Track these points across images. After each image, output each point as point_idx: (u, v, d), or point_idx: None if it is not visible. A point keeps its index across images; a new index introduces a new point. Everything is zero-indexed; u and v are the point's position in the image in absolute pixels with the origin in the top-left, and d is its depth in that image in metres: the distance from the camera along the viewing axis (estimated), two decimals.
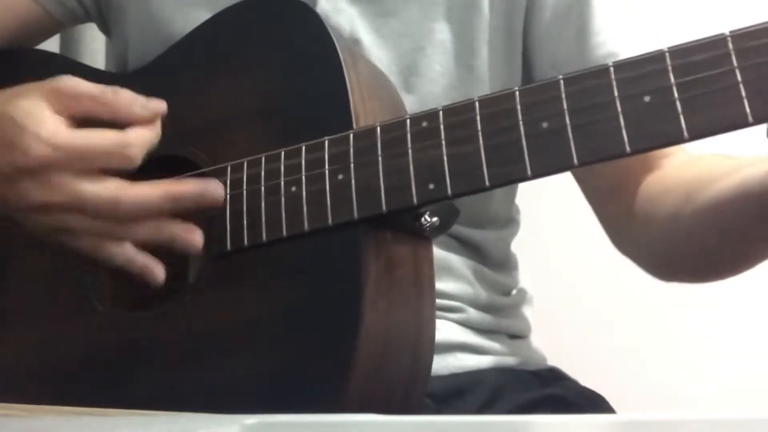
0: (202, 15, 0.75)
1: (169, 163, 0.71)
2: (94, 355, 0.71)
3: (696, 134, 0.53)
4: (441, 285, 0.77)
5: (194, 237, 0.66)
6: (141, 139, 0.65)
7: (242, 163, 0.67)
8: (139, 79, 0.77)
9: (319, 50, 0.68)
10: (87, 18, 0.90)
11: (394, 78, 0.76)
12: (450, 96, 0.77)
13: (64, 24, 0.91)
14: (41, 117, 0.64)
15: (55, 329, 0.74)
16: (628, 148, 0.54)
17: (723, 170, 0.67)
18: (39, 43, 0.91)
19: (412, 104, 0.76)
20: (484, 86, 0.80)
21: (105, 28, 0.90)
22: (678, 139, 0.53)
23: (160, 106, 0.67)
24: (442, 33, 0.80)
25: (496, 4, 0.80)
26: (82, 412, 0.64)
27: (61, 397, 0.70)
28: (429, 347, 0.68)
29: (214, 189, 0.67)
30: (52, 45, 1.04)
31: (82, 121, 0.66)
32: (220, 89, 0.72)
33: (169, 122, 0.73)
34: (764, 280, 0.68)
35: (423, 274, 0.68)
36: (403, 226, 0.65)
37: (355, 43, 0.78)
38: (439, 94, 0.78)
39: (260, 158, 0.67)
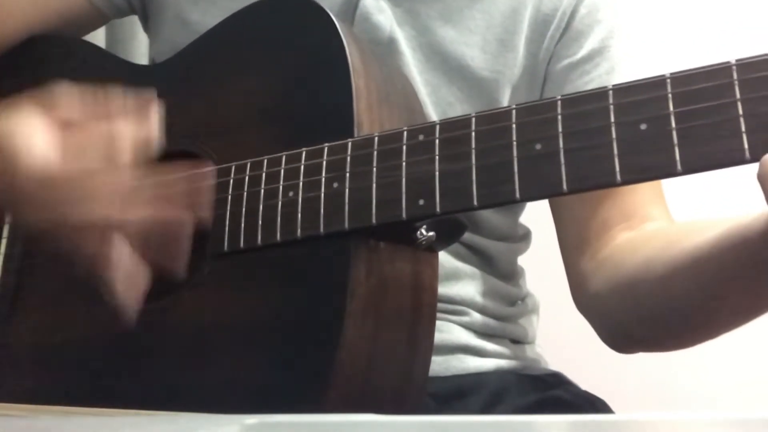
0: (225, 14, 0.75)
1: (181, 159, 0.72)
2: (93, 345, 0.72)
3: (689, 167, 0.49)
4: (447, 290, 0.78)
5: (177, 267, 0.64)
6: (131, 141, 0.63)
7: (246, 164, 0.67)
8: (160, 74, 0.78)
9: (329, 55, 0.67)
10: (131, 11, 0.92)
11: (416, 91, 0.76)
12: None
13: (108, 16, 0.92)
14: (33, 143, 0.63)
15: (63, 315, 0.75)
16: (619, 178, 0.51)
17: (707, 224, 0.64)
18: (84, 34, 0.93)
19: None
20: None
21: (145, 23, 0.91)
22: (671, 172, 0.50)
23: (150, 101, 0.65)
24: (473, 60, 0.80)
25: (530, 47, 0.81)
26: (82, 412, 0.64)
27: (58, 385, 0.72)
28: (423, 367, 0.67)
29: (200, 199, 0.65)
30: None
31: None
32: (232, 88, 0.72)
33: (183, 118, 0.74)
34: None
35: (424, 290, 0.66)
36: (397, 239, 0.63)
37: (391, 42, 0.79)
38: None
39: (262, 160, 0.66)
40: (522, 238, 0.88)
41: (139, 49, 1.08)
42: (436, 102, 0.80)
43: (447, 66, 0.80)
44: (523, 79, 0.81)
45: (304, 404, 0.61)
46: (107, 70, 0.82)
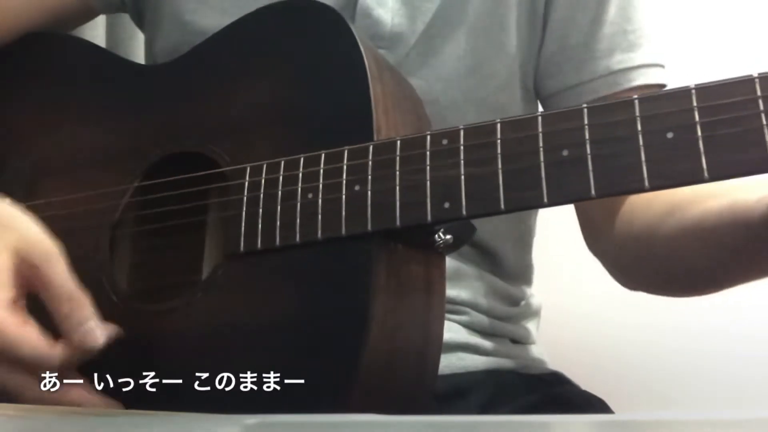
0: (227, 16, 0.75)
1: (190, 160, 0.72)
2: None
3: (716, 174, 0.52)
4: (450, 292, 0.78)
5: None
6: (62, 362, 0.63)
7: (261, 166, 0.68)
8: (166, 74, 0.78)
9: (345, 59, 0.67)
10: (122, 7, 0.91)
11: (418, 50, 0.78)
12: (476, 75, 0.80)
13: (97, 11, 0.91)
14: None
15: None
16: (647, 184, 0.54)
17: (712, 191, 0.67)
18: (74, 28, 0.92)
19: (429, 80, 0.79)
20: (512, 63, 0.81)
21: (138, 20, 0.90)
22: (698, 179, 0.52)
23: (101, 337, 0.63)
24: (474, 12, 0.80)
25: None
26: (83, 412, 0.64)
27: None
28: (433, 368, 0.68)
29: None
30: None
31: None
32: (245, 90, 0.72)
33: (192, 119, 0.74)
34: (764, 280, 0.68)
35: (434, 293, 0.68)
36: (416, 242, 0.65)
37: (392, 36, 0.79)
38: (463, 72, 0.80)
39: (279, 162, 0.67)
40: (526, 234, 0.89)
41: (139, 49, 1.07)
42: (434, 63, 0.80)
43: (448, 22, 0.80)
44: (524, 16, 0.81)
45: (324, 408, 0.62)
46: (112, 71, 0.81)
